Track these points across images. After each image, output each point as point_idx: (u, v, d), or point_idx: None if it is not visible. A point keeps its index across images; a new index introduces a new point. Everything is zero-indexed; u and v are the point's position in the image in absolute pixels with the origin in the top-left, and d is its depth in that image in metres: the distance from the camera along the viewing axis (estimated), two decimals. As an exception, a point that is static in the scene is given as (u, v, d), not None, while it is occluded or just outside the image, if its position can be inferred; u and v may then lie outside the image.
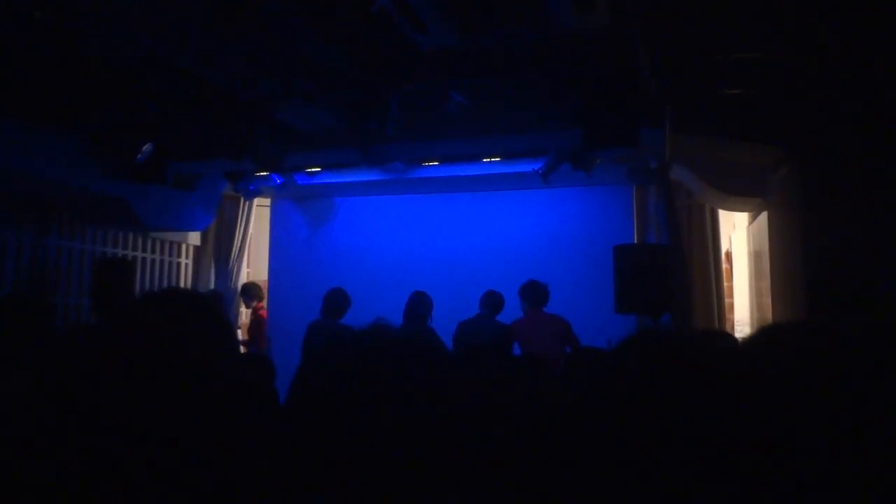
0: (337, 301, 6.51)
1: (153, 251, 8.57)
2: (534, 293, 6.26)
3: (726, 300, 7.65)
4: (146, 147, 6.46)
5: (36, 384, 1.17)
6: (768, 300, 6.28)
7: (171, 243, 8.82)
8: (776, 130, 5.46)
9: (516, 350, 6.01)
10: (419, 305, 6.15)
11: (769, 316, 6.20)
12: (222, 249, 9.09)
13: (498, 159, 7.31)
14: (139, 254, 8.32)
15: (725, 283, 7.70)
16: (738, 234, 7.81)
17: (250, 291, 8.42)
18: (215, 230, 8.96)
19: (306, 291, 8.64)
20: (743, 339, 1.27)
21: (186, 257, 9.08)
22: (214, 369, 1.22)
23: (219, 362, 1.24)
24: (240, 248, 9.14)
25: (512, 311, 6.39)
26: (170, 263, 8.85)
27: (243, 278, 9.28)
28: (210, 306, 1.34)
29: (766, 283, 6.35)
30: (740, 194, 6.49)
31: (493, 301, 6.32)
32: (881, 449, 0.91)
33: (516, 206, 8.35)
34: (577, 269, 7.54)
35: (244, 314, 9.47)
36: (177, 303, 1.32)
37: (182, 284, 8.89)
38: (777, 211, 6.02)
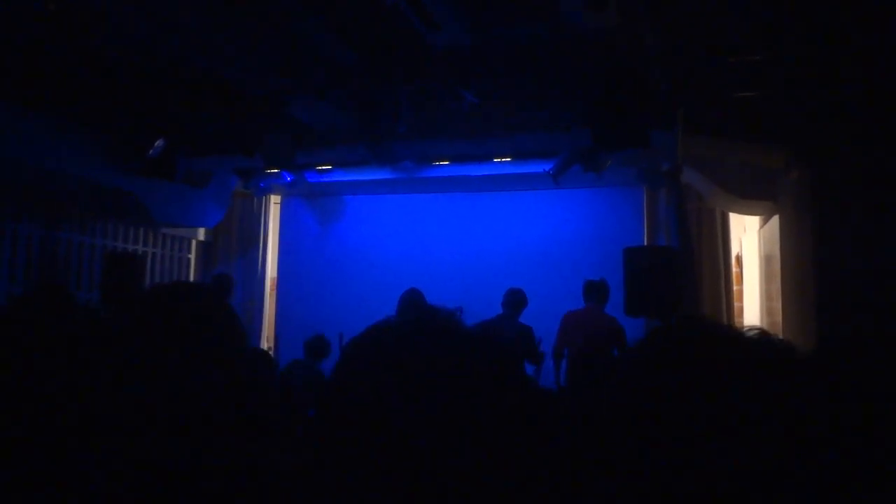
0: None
1: (163, 246, 8.60)
2: (597, 291, 6.26)
3: (736, 304, 7.62)
4: (158, 142, 6.49)
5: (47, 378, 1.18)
6: (779, 304, 6.25)
7: (182, 239, 8.85)
8: (788, 133, 5.43)
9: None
10: (419, 302, 6.07)
11: (779, 320, 6.17)
12: (233, 246, 9.12)
13: (508, 159, 7.29)
14: (149, 249, 8.35)
15: (735, 287, 7.66)
16: (749, 237, 7.77)
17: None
18: (226, 227, 8.98)
19: (315, 289, 8.67)
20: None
21: (196, 253, 9.11)
22: (218, 365, 1.21)
23: (222, 357, 1.24)
24: (259, 243, 9.19)
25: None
26: (179, 259, 8.88)
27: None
28: (214, 300, 1.33)
29: (777, 286, 6.31)
30: (751, 197, 6.46)
31: (514, 300, 6.27)
32: None
33: (526, 207, 8.33)
34: (587, 271, 7.49)
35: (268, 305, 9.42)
36: (177, 298, 1.31)
37: (191, 280, 8.91)
38: (788, 214, 5.99)
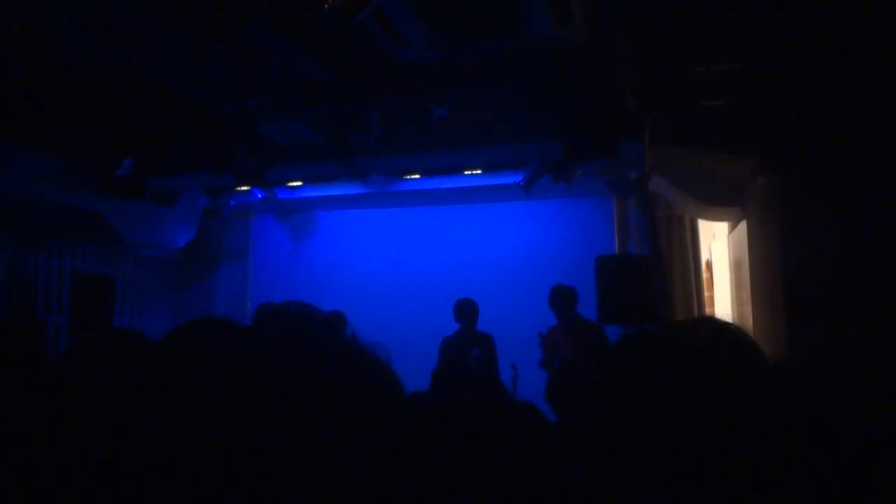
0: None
1: (134, 267, 8.49)
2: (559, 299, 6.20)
3: (707, 309, 7.69)
4: (126, 162, 6.42)
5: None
6: (749, 309, 6.33)
7: (152, 259, 8.74)
8: (754, 141, 5.53)
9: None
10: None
11: (750, 325, 6.25)
12: (204, 265, 9.04)
13: (479, 172, 7.32)
14: (119, 270, 8.24)
15: (706, 293, 7.74)
16: (718, 243, 7.87)
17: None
18: (197, 246, 8.89)
19: (288, 305, 8.58)
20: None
21: (167, 273, 9.00)
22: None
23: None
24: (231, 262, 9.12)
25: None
26: (150, 280, 8.77)
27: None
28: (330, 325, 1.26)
29: (747, 292, 6.40)
30: (719, 204, 6.56)
31: (462, 310, 6.16)
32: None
33: (498, 219, 8.37)
34: (559, 281, 7.57)
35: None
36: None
37: (163, 300, 8.82)
38: (755, 220, 6.08)
